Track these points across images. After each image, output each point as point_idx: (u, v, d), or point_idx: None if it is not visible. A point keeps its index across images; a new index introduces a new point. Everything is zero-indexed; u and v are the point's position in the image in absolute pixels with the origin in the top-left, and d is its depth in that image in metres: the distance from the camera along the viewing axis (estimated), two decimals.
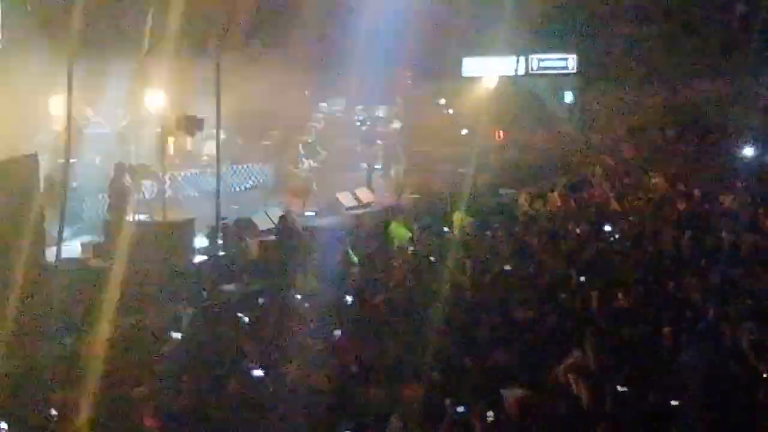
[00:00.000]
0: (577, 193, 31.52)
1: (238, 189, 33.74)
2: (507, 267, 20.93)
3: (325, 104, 42.00)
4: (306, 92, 40.52)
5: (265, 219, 27.11)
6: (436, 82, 43.76)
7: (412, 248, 23.93)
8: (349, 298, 18.88)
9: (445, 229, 26.77)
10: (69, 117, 23.24)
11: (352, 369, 14.32)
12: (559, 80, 44.84)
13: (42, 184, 22.30)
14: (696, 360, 14.30)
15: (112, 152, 29.59)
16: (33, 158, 21.05)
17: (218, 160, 27.53)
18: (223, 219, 25.64)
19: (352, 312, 18.10)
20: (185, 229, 24.42)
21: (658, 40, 42.49)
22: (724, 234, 23.74)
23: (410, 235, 25.76)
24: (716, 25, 42.85)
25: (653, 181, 33.79)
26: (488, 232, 25.25)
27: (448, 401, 12.09)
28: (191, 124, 26.12)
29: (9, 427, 12.51)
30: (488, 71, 42.80)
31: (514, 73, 42.38)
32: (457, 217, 27.06)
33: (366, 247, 23.66)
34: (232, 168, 33.73)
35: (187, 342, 16.66)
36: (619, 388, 13.02)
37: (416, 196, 31.19)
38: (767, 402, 12.75)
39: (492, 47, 42.07)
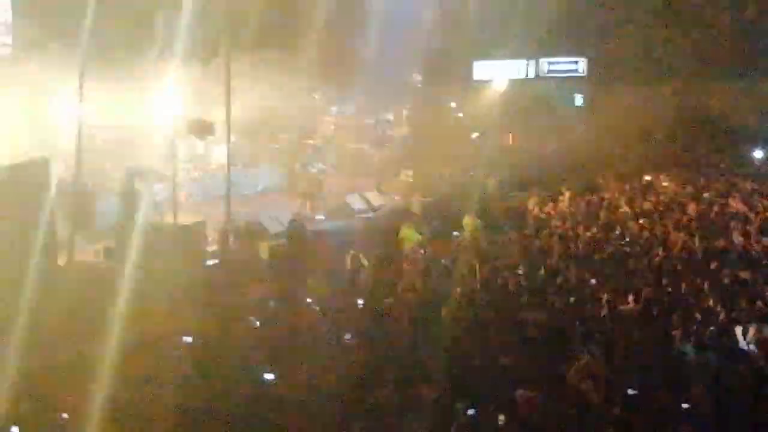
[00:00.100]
0: (588, 196, 31.50)
1: (248, 192, 33.75)
2: (518, 270, 20.95)
3: (335, 108, 42.01)
4: (316, 96, 40.54)
5: (276, 222, 27.14)
6: (447, 85, 43.72)
7: (422, 251, 23.92)
8: (360, 301, 18.91)
9: (456, 232, 26.76)
10: (80, 121, 23.31)
11: (363, 371, 14.35)
12: (569, 83, 44.78)
13: (53, 189, 22.35)
14: (705, 361, 14.34)
15: (123, 156, 29.64)
16: (44, 162, 21.11)
17: (228, 164, 27.57)
18: (234, 222, 25.67)
19: (362, 315, 18.13)
20: (196, 232, 24.46)
21: (668, 43, 42.44)
22: (734, 236, 23.77)
23: (421, 238, 25.76)
24: (727, 27, 42.80)
25: (664, 184, 33.78)
26: (498, 236, 25.24)
27: (459, 405, 12.12)
28: (202, 128, 26.14)
29: (21, 430, 12.55)
30: (498, 75, 42.80)
31: (524, 77, 42.33)
32: (468, 220, 27.04)
33: (376, 251, 23.67)
34: (243, 171, 33.75)
35: (198, 345, 16.70)
36: (629, 390, 13.05)
37: (427, 199, 31.17)
38: None
39: (502, 51, 42.05)
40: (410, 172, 35.42)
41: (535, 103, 41.78)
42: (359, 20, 34.00)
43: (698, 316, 16.87)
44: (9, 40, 27.16)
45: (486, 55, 42.87)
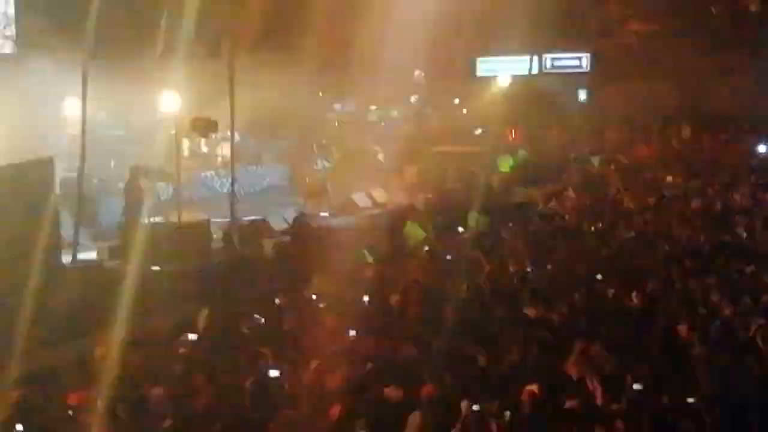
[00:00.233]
0: (592, 191, 31.50)
1: (252, 190, 33.77)
2: (523, 266, 20.94)
3: (339, 105, 42.02)
4: (320, 93, 40.55)
5: (280, 220, 27.15)
6: (450, 82, 43.76)
7: (427, 248, 23.91)
8: (365, 298, 18.89)
9: (461, 228, 26.76)
10: (83, 120, 23.31)
11: (368, 369, 14.33)
12: (572, 79, 44.80)
13: (57, 188, 22.36)
14: (711, 356, 14.30)
15: (126, 155, 29.68)
16: (48, 162, 21.10)
17: (233, 162, 27.58)
18: (239, 220, 25.68)
19: (368, 312, 18.11)
20: (200, 230, 24.47)
21: (672, 38, 42.42)
22: (738, 231, 23.76)
23: (426, 234, 25.76)
24: (731, 21, 42.79)
25: (668, 178, 33.77)
26: (504, 231, 25.23)
27: (464, 402, 12.09)
28: (205, 126, 26.15)
29: (25, 429, 12.53)
30: (502, 71, 42.83)
31: (527, 73, 42.34)
32: (473, 216, 27.04)
33: (382, 247, 23.67)
34: (247, 169, 33.78)
35: (204, 343, 16.69)
36: (635, 385, 13.02)
37: (431, 195, 31.16)
38: None
39: (505, 47, 42.06)
40: (415, 169, 35.42)
41: (538, 99, 41.80)
42: (363, 17, 33.93)
43: (704, 310, 16.86)
44: (11, 32, 27.13)
45: (490, 52, 42.91)
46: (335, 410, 12.38)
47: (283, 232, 26.10)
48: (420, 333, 16.13)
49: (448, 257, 22.76)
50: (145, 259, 21.09)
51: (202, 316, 17.90)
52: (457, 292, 18.96)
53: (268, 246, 24.71)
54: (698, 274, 19.25)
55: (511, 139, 40.84)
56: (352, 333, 16.24)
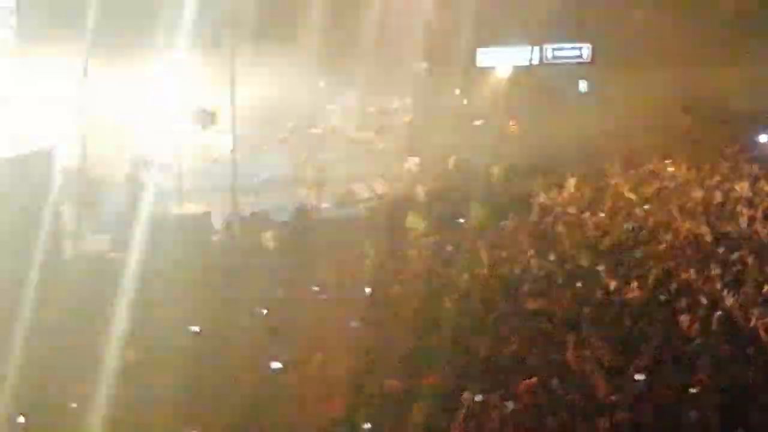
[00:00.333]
0: (593, 182, 31.48)
1: (253, 182, 33.76)
2: (524, 256, 20.97)
3: (339, 96, 41.98)
4: (321, 84, 40.52)
5: (281, 211, 27.15)
6: (451, 73, 43.71)
7: (428, 239, 23.92)
8: (367, 290, 18.92)
9: (461, 219, 26.77)
10: (84, 111, 23.32)
11: (369, 359, 14.37)
12: (573, 69, 44.75)
13: (59, 179, 22.38)
14: (712, 346, 14.34)
15: (128, 146, 29.68)
16: (50, 153, 21.12)
17: (234, 153, 27.57)
18: (239, 211, 25.69)
19: (370, 303, 18.14)
20: (202, 221, 24.49)
21: (674, 28, 42.36)
22: (740, 221, 23.77)
23: (426, 225, 25.77)
24: (732, 10, 42.74)
25: (669, 169, 33.73)
26: (504, 222, 25.24)
27: (466, 393, 12.12)
28: (206, 117, 26.18)
29: (27, 420, 12.56)
30: (502, 61, 42.78)
31: (528, 63, 42.29)
32: (473, 206, 27.04)
33: (382, 239, 23.68)
34: (248, 160, 33.76)
35: (205, 335, 16.72)
36: (636, 376, 13.05)
37: (432, 187, 31.14)
38: None
39: (506, 37, 42.01)
40: (415, 160, 35.40)
41: (539, 90, 41.76)
42: (363, 8, 33.93)
43: (705, 301, 16.88)
44: (13, 22, 27.08)
45: (490, 42, 42.84)
46: (338, 401, 12.42)
47: (284, 224, 26.09)
48: (421, 324, 16.16)
49: (449, 248, 22.78)
50: (146, 251, 21.12)
51: (204, 309, 17.96)
52: (457, 282, 19.01)
53: (268, 237, 24.72)
54: (699, 265, 19.27)
55: (511, 129, 40.79)
56: (354, 324, 16.28)
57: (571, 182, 30.48)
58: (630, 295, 17.54)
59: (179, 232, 23.27)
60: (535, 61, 43.31)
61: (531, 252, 21.31)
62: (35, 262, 18.67)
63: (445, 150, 35.62)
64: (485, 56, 43.63)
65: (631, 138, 41.07)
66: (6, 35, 28.05)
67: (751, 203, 26.07)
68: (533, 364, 13.78)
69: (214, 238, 24.50)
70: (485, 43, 43.04)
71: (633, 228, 23.74)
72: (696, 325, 15.31)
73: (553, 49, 44.21)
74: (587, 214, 25.69)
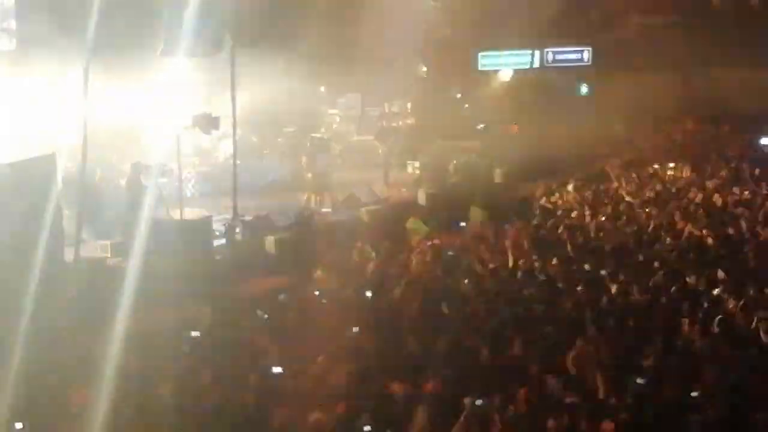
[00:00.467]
0: (594, 185, 31.52)
1: (255, 186, 33.78)
2: (525, 260, 20.96)
3: (341, 100, 42.02)
4: (322, 88, 40.55)
5: (283, 216, 27.13)
6: (452, 76, 43.76)
7: (429, 243, 23.91)
8: (368, 294, 18.91)
9: (463, 223, 26.78)
10: (85, 116, 23.30)
11: (371, 363, 14.35)
12: (574, 73, 44.80)
13: (60, 184, 22.35)
14: (715, 350, 14.32)
15: (129, 151, 29.67)
16: (51, 158, 21.10)
17: (235, 157, 27.56)
18: (241, 216, 25.67)
19: (371, 307, 18.13)
20: (203, 226, 24.44)
21: (673, 30, 42.41)
22: (741, 223, 23.77)
23: (428, 229, 25.77)
24: (732, 13, 42.78)
25: (669, 172, 33.79)
26: (505, 226, 25.25)
27: (467, 398, 12.11)
28: (207, 122, 26.13)
29: (26, 427, 12.53)
30: (503, 65, 42.83)
31: (529, 67, 42.34)
32: (474, 210, 27.06)
33: (384, 242, 23.68)
34: (249, 165, 33.78)
35: (207, 340, 16.71)
36: (638, 379, 13.04)
37: (433, 190, 31.15)
38: None
39: (507, 41, 42.06)
40: (417, 164, 35.42)
41: (540, 93, 41.80)
42: (364, 11, 33.94)
43: (707, 304, 16.87)
44: (12, 25, 27.01)
45: (491, 46, 42.88)
46: (339, 406, 12.40)
47: (286, 228, 26.08)
48: (422, 328, 16.15)
49: (450, 252, 22.78)
50: (147, 256, 21.11)
51: (205, 313, 17.94)
52: (459, 287, 19.01)
53: (270, 242, 24.71)
54: (701, 268, 19.27)
55: (513, 133, 40.82)
56: (355, 328, 16.26)
57: (573, 185, 30.53)
58: (632, 298, 17.57)
59: (180, 236, 23.24)
60: (536, 65, 43.37)
61: (533, 256, 21.33)
62: (35, 267, 18.63)
63: (446, 153, 35.63)
64: (486, 59, 43.69)
65: (631, 140, 41.19)
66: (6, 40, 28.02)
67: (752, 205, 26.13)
68: (533, 366, 13.78)
69: (216, 242, 24.49)
70: (486, 47, 43.09)
71: (635, 231, 23.78)
72: (697, 328, 15.31)
73: (554, 53, 44.28)
74: (588, 217, 25.71)
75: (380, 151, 38.03)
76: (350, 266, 21.65)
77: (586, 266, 20.11)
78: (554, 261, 20.52)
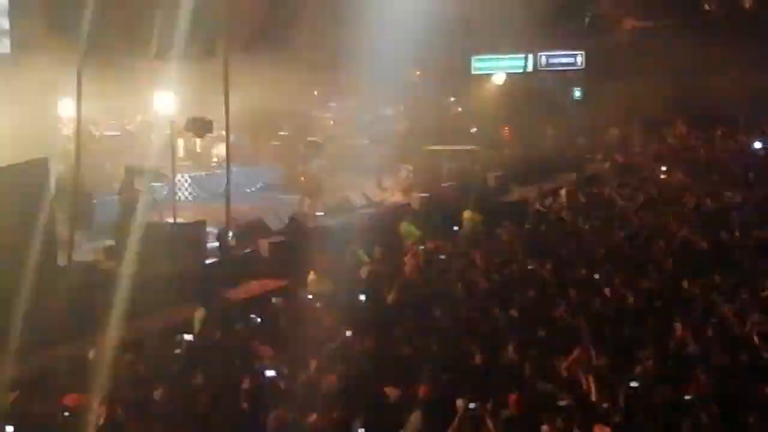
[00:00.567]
0: (588, 189, 31.54)
1: (248, 190, 33.79)
2: (519, 264, 20.98)
3: (334, 104, 42.00)
4: (315, 92, 40.53)
5: (276, 219, 27.13)
6: (445, 80, 43.77)
7: (423, 247, 23.92)
8: (361, 297, 18.92)
9: (456, 227, 26.79)
10: (78, 120, 23.28)
11: (364, 368, 14.36)
12: (567, 77, 44.86)
13: (53, 188, 22.33)
14: (708, 354, 14.34)
15: (122, 155, 29.67)
16: (44, 162, 21.07)
17: (228, 161, 27.57)
18: (234, 220, 25.66)
19: (364, 311, 18.14)
20: (196, 230, 24.43)
21: (666, 34, 42.46)
22: (733, 227, 23.80)
23: (421, 233, 25.78)
24: (725, 18, 42.86)
25: (662, 176, 33.82)
26: (499, 230, 25.26)
27: (460, 401, 12.12)
28: (200, 126, 26.15)
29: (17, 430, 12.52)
30: (497, 69, 42.85)
31: (522, 71, 42.37)
32: (468, 214, 27.06)
33: (377, 246, 23.69)
34: (242, 169, 33.80)
35: (200, 343, 16.71)
36: (632, 383, 13.06)
37: (426, 194, 31.16)
38: None
39: (500, 45, 42.08)
40: (410, 168, 35.41)
41: (533, 97, 41.83)
42: (358, 15, 33.92)
43: (700, 307, 16.89)
44: (6, 24, 26.96)
45: (484, 50, 42.90)
46: (333, 410, 12.40)
47: (279, 232, 26.08)
48: (416, 332, 16.16)
49: (443, 256, 22.79)
50: (140, 260, 21.10)
51: (199, 317, 17.95)
52: (452, 290, 19.02)
53: (263, 245, 24.70)
54: (694, 272, 19.28)
55: (506, 136, 40.86)
56: (349, 332, 16.27)
57: (566, 189, 30.55)
58: (626, 302, 17.59)
59: (174, 240, 23.23)
60: (530, 69, 43.40)
61: (526, 259, 21.35)
62: (28, 271, 18.60)
63: (440, 157, 35.65)
64: (480, 63, 43.72)
65: (625, 144, 41.23)
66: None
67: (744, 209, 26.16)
68: (526, 370, 13.80)
69: (209, 246, 24.47)
70: (480, 51, 43.11)
71: (628, 234, 23.79)
72: (690, 332, 15.32)
73: (547, 57, 44.33)
74: (582, 221, 25.73)
75: (374, 154, 38.02)
76: (343, 270, 21.64)
77: (580, 270, 20.13)
78: (548, 265, 20.53)
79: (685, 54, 40.41)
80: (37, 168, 20.72)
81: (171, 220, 25.06)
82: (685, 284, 18.39)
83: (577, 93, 45.38)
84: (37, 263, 18.95)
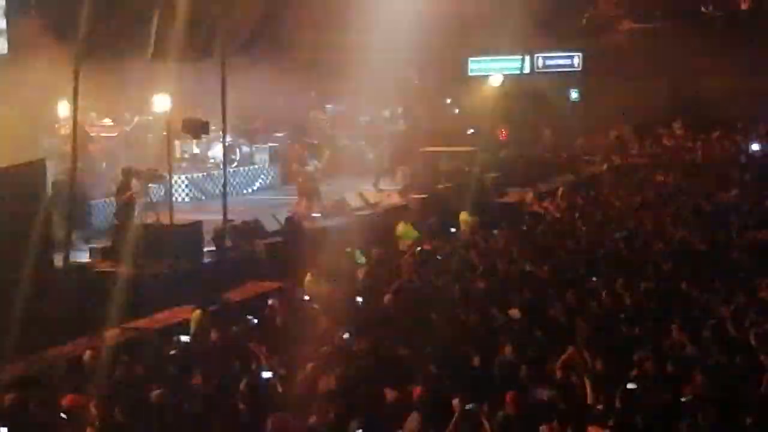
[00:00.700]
0: (584, 191, 31.55)
1: (245, 191, 33.78)
2: (515, 266, 20.97)
3: (330, 105, 41.96)
4: (312, 93, 40.50)
5: (273, 221, 27.10)
6: (442, 81, 43.75)
7: (419, 248, 23.91)
8: (358, 299, 18.91)
9: (453, 229, 26.78)
10: (75, 121, 23.25)
11: (362, 369, 14.33)
12: (564, 78, 44.83)
13: (49, 190, 22.31)
14: (705, 355, 14.32)
15: (118, 156, 29.64)
16: (40, 164, 21.06)
17: (225, 162, 27.54)
18: (231, 221, 25.63)
19: (361, 312, 18.12)
20: (193, 231, 24.40)
21: (664, 36, 42.50)
22: (731, 228, 23.81)
23: (418, 235, 25.77)
24: (722, 20, 42.89)
25: (659, 177, 33.83)
26: (495, 231, 25.26)
27: (456, 400, 12.09)
28: (197, 127, 26.12)
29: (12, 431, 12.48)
30: (494, 70, 42.80)
31: (519, 72, 42.35)
32: (464, 216, 27.06)
33: (374, 248, 23.68)
34: (239, 170, 33.77)
35: (196, 344, 16.69)
36: (628, 385, 13.03)
37: (423, 195, 31.15)
38: None
39: (497, 46, 42.04)
40: (407, 169, 35.38)
41: (530, 99, 41.80)
42: (354, 16, 33.88)
43: (697, 309, 16.89)
44: (3, 24, 26.91)
45: (481, 51, 42.86)
46: (329, 411, 12.37)
47: (276, 233, 26.05)
48: (413, 333, 16.13)
49: (440, 257, 22.78)
50: (137, 261, 21.09)
51: (195, 318, 17.92)
52: (449, 292, 18.99)
53: (260, 247, 24.69)
54: (692, 273, 19.27)
55: (503, 138, 40.82)
56: (345, 334, 16.24)
57: (563, 190, 30.56)
58: (621, 303, 17.57)
59: (170, 242, 23.20)
60: (527, 70, 43.37)
61: (522, 261, 21.35)
62: (24, 272, 18.57)
63: (436, 158, 35.62)
64: (476, 65, 43.69)
65: (622, 146, 41.25)
66: None
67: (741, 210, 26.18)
68: (523, 371, 13.77)
69: (205, 247, 24.44)
70: (476, 52, 43.08)
71: (625, 236, 23.77)
72: (687, 333, 15.30)
73: (544, 58, 44.32)
74: (579, 223, 25.73)
75: (370, 156, 38.00)
76: (340, 271, 21.63)
77: (577, 272, 20.12)
78: (545, 267, 20.52)
79: (682, 55, 40.46)
80: (34, 169, 20.70)
81: (168, 222, 25.03)
82: (683, 286, 18.37)
83: (575, 94, 45.36)
84: (34, 264, 18.92)
